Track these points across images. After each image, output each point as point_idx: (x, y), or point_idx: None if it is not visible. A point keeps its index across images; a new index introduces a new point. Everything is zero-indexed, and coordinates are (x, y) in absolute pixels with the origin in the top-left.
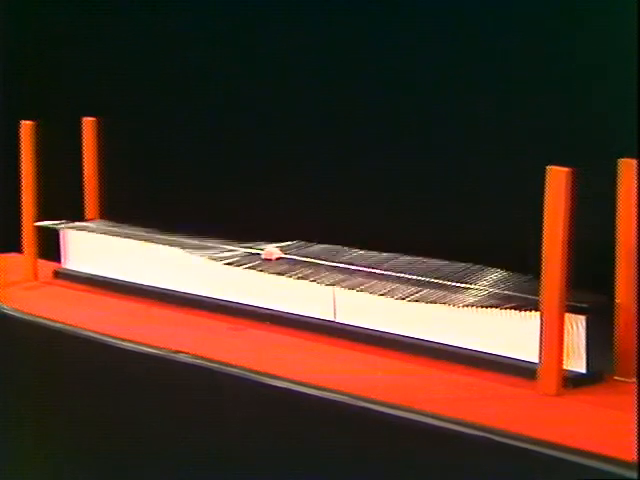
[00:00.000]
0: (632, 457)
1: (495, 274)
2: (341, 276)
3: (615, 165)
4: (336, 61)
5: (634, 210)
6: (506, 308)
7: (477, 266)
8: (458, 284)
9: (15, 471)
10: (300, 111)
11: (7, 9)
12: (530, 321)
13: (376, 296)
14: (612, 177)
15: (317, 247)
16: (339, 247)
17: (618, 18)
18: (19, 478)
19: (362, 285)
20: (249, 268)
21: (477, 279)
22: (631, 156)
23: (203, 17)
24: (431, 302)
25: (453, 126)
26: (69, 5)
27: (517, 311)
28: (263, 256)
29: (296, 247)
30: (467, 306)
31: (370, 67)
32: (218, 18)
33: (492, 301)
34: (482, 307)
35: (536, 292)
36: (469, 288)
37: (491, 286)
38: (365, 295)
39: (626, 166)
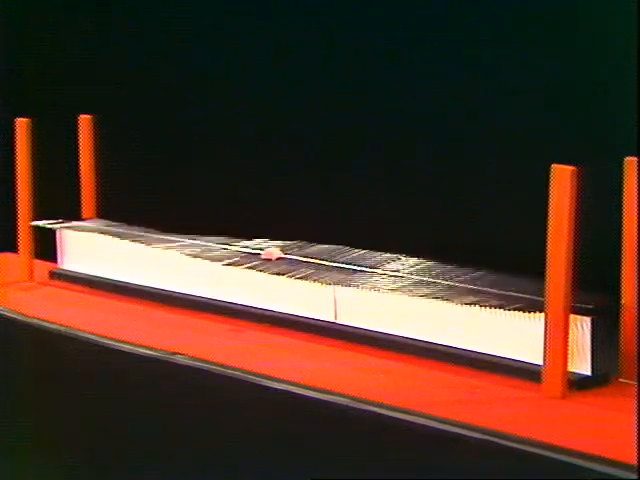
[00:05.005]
0: (634, 459)
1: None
2: (342, 276)
3: (621, 163)
4: (337, 61)
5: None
6: (511, 309)
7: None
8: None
9: (13, 472)
10: (301, 109)
11: (4, 7)
12: (534, 322)
13: (378, 297)
14: (619, 176)
15: (317, 247)
16: (340, 247)
17: (620, 15)
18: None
19: (363, 285)
20: (249, 268)
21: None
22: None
23: (201, 15)
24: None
25: (455, 125)
26: (66, 3)
27: (521, 312)
28: (263, 256)
29: (297, 247)
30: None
31: (370, 67)
32: (217, 15)
33: (495, 301)
34: (486, 307)
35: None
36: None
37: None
38: (366, 296)
39: (631, 165)
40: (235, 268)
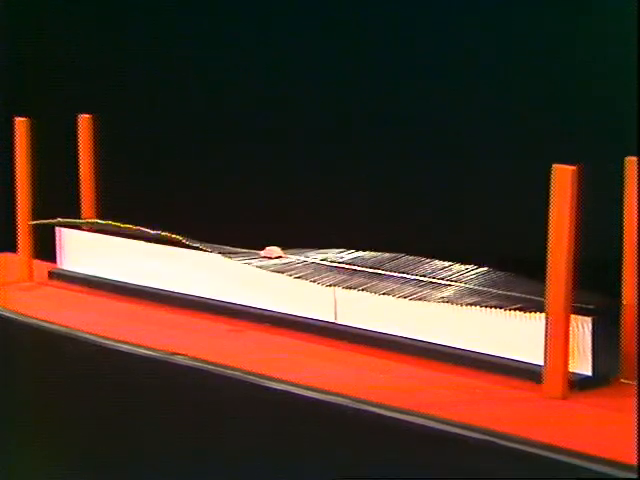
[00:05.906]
0: (634, 459)
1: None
2: (342, 276)
3: (621, 163)
4: (338, 64)
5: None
6: (511, 309)
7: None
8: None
9: (12, 473)
10: (301, 111)
11: (4, 6)
12: (535, 323)
13: (377, 297)
14: (619, 176)
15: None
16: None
17: (620, 15)
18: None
19: (363, 285)
20: (248, 266)
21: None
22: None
23: (201, 15)
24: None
25: (456, 126)
26: (65, 2)
27: (522, 312)
28: (263, 254)
29: (296, 251)
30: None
31: (370, 68)
32: (216, 16)
33: (495, 302)
34: (486, 307)
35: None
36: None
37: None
38: (366, 296)
39: (632, 165)
40: (234, 267)
